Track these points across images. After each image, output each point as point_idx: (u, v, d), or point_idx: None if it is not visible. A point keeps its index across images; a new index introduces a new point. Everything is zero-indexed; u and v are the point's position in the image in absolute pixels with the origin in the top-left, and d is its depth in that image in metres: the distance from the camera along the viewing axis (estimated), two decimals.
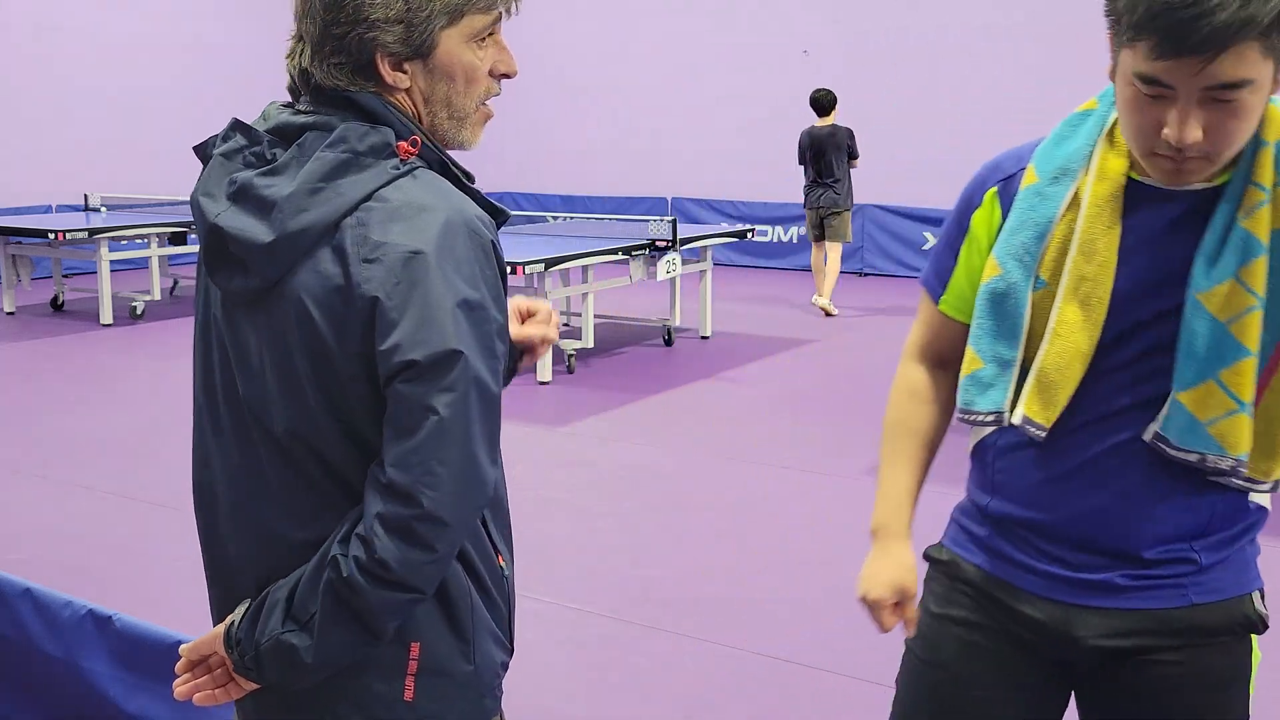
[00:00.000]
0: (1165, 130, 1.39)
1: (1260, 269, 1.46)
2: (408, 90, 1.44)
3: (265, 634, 1.39)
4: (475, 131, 1.50)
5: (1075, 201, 1.54)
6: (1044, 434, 1.58)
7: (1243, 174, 1.47)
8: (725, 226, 9.58)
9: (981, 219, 1.63)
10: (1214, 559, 1.58)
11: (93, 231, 9.12)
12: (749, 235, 9.51)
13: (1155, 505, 1.55)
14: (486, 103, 1.50)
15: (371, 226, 1.35)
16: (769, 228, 13.23)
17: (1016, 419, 1.59)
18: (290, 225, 1.35)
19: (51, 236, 8.91)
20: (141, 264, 11.92)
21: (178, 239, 9.84)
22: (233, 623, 1.43)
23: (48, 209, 12.07)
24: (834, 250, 10.08)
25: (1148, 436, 1.53)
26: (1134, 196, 1.52)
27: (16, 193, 11.92)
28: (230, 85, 13.29)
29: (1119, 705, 1.64)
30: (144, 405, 6.79)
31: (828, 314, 10.05)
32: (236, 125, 1.46)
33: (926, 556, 1.80)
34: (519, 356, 1.74)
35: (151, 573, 4.30)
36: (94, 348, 8.53)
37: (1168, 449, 1.51)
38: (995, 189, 1.63)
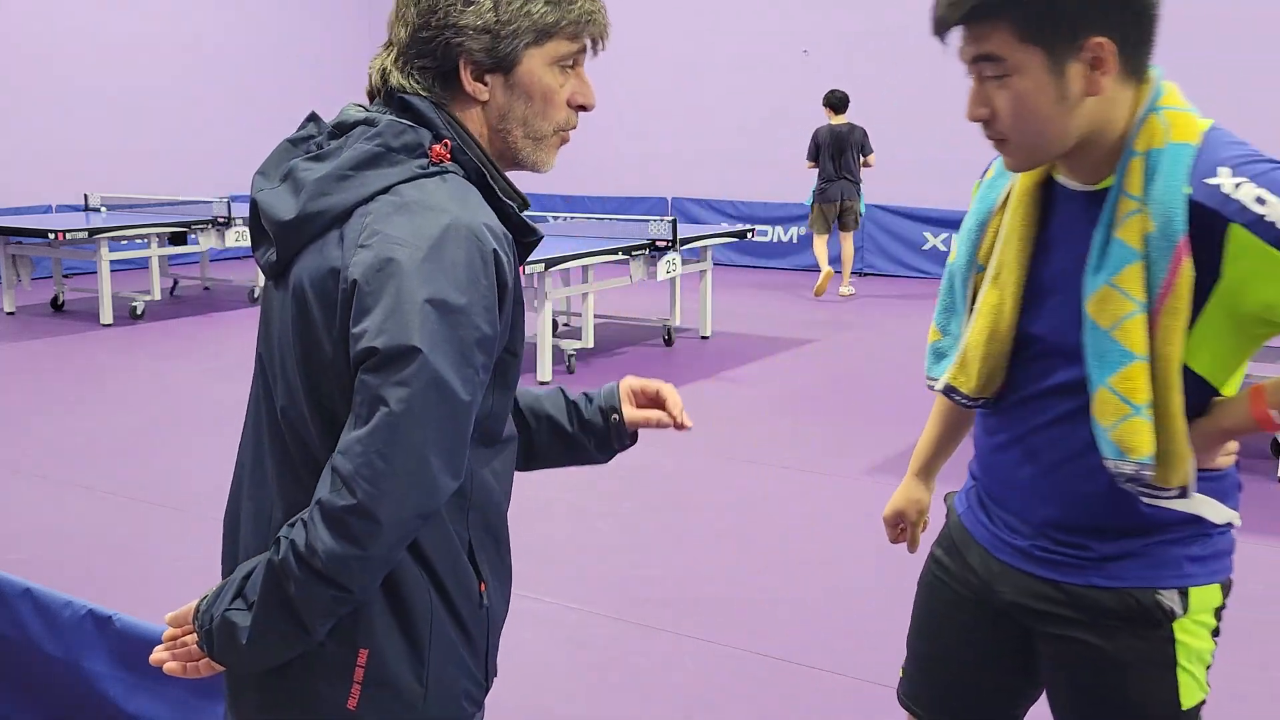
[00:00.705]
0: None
1: (1135, 274, 1.50)
2: (485, 104, 1.46)
3: (217, 610, 1.39)
4: (550, 155, 1.52)
5: (1009, 194, 1.70)
6: (967, 403, 1.75)
7: (1117, 183, 1.54)
8: (725, 226, 9.58)
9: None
10: (1112, 550, 1.66)
11: (93, 231, 9.12)
12: (749, 235, 9.52)
13: (1054, 491, 1.68)
14: (566, 131, 1.52)
15: (376, 216, 1.37)
16: (769, 228, 13.23)
17: (939, 385, 1.78)
18: (310, 206, 1.40)
19: (51, 236, 8.91)
20: (141, 264, 11.90)
21: (178, 239, 9.83)
22: (204, 597, 1.44)
23: (48, 209, 12.07)
24: (850, 238, 11.22)
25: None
26: (1053, 195, 1.66)
27: (16, 193, 11.92)
28: (230, 85, 13.30)
29: (1055, 675, 1.76)
30: (144, 405, 6.79)
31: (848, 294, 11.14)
32: (312, 117, 1.52)
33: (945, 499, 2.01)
34: (630, 436, 1.73)
35: (151, 573, 4.30)
36: (94, 348, 8.53)
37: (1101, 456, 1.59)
38: (979, 181, 1.81)
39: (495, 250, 1.37)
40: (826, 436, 6.19)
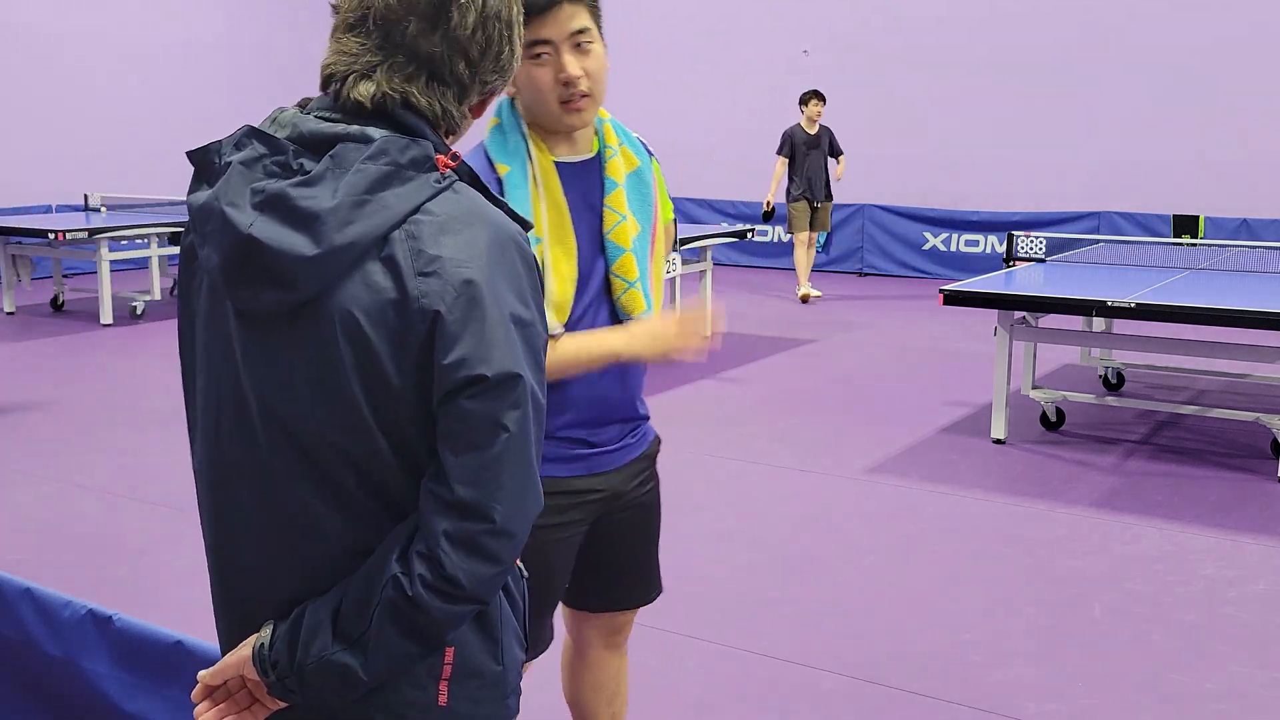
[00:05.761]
0: (560, 74, 2.04)
1: (619, 197, 2.20)
2: (478, 117, 1.53)
3: (311, 655, 1.36)
4: None
5: (533, 179, 2.15)
6: (563, 333, 2.15)
7: (601, 143, 2.23)
8: (725, 226, 9.58)
9: None
10: (644, 410, 2.35)
11: (93, 231, 9.13)
12: (749, 235, 9.51)
13: (637, 375, 2.29)
14: None
15: (423, 240, 1.34)
16: (769, 228, 13.23)
17: (555, 330, 2.16)
18: (337, 239, 1.33)
19: (51, 236, 8.91)
20: (141, 264, 11.92)
21: (178, 239, 9.84)
22: (262, 644, 1.40)
23: (48, 209, 12.07)
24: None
25: None
26: (562, 173, 2.17)
27: (16, 193, 11.92)
28: (231, 85, 13.30)
29: (631, 519, 2.37)
30: (144, 405, 6.80)
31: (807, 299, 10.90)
32: (253, 133, 1.41)
33: None
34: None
35: (151, 573, 4.30)
36: (94, 348, 8.53)
37: (624, 321, 2.20)
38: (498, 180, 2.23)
39: (533, 254, 1.43)
40: (826, 436, 6.20)
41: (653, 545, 2.50)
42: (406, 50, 1.40)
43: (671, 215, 2.46)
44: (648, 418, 2.37)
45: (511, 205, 2.02)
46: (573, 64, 2.04)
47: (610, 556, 2.40)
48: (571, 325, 2.18)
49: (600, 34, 2.10)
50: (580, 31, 2.04)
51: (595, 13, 2.08)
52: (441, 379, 1.33)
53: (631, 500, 2.36)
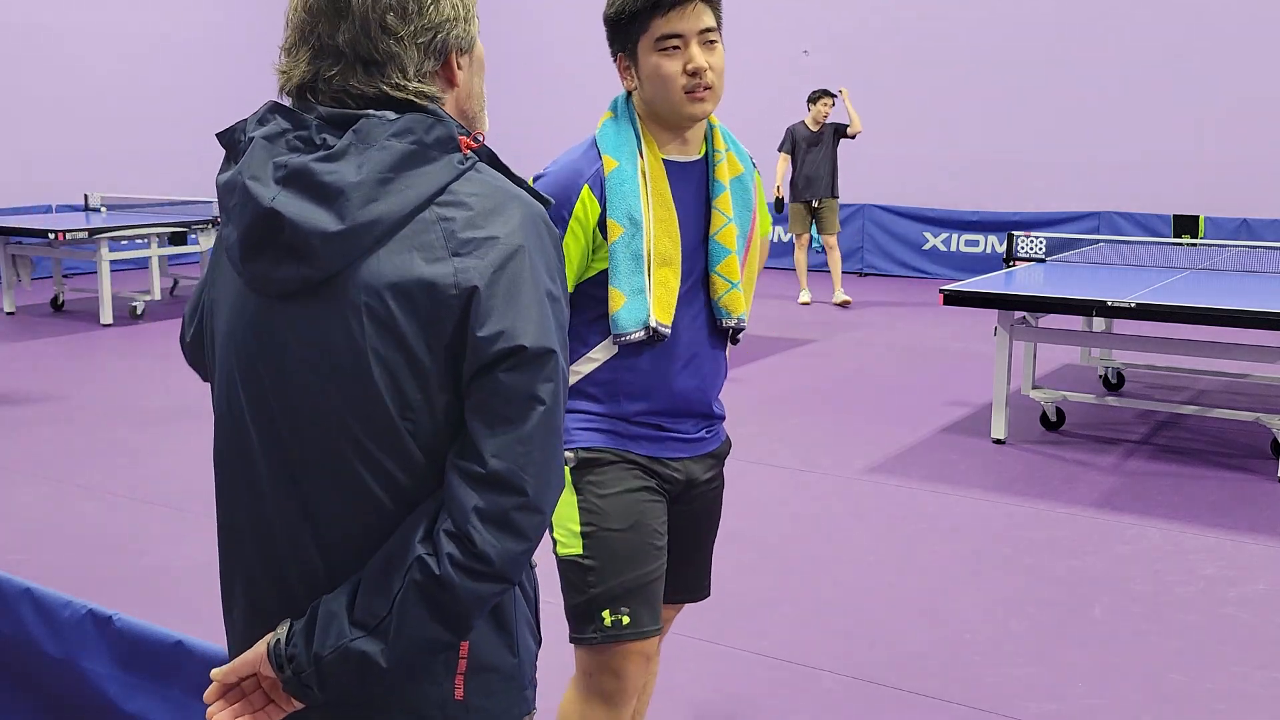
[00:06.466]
0: (689, 65, 2.15)
1: (725, 199, 2.29)
2: (456, 87, 1.48)
3: (328, 645, 1.34)
4: (486, 116, 1.57)
5: (642, 174, 2.23)
6: (669, 331, 2.25)
7: (709, 147, 2.31)
8: None
9: (580, 209, 2.21)
10: (721, 411, 2.44)
11: (93, 231, 9.12)
12: None
13: (717, 375, 2.39)
14: None
15: (455, 221, 1.35)
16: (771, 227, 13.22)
17: (653, 323, 2.22)
18: (360, 216, 1.32)
19: (51, 236, 8.91)
20: (141, 264, 11.92)
21: (178, 239, 9.84)
22: (278, 640, 1.38)
23: (48, 209, 12.07)
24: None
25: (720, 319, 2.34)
26: (670, 171, 2.26)
27: (16, 193, 11.92)
28: (230, 85, 13.29)
29: (696, 512, 2.46)
30: (144, 405, 6.80)
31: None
32: (276, 108, 1.42)
33: (585, 461, 2.29)
34: None
35: (151, 573, 4.30)
36: (94, 348, 8.53)
37: (721, 321, 2.33)
38: (587, 185, 2.22)
39: (556, 230, 1.46)
40: (826, 436, 6.20)
41: (710, 542, 2.57)
42: (331, 52, 1.39)
43: (768, 231, 2.52)
44: (723, 418, 2.45)
45: (620, 197, 2.19)
46: (699, 56, 2.16)
47: (672, 546, 2.43)
48: (674, 333, 2.27)
49: (721, 35, 2.21)
50: (708, 29, 2.17)
51: (719, 16, 2.21)
52: (477, 352, 1.32)
53: (702, 493, 2.44)
